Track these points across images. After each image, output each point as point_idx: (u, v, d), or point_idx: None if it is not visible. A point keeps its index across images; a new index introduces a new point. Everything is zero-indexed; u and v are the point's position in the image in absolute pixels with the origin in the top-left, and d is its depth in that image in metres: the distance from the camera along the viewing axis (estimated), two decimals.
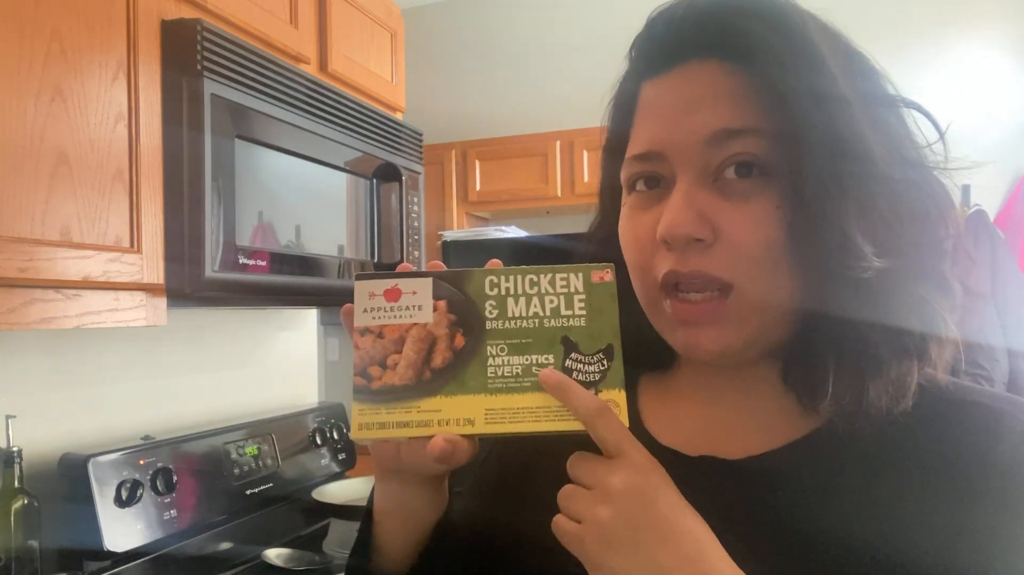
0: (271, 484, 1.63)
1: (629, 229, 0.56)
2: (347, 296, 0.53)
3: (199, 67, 1.17)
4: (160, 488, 1.35)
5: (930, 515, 0.48)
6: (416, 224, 1.78)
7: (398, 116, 1.93)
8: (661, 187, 0.53)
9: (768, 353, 0.54)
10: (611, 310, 0.51)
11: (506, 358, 0.50)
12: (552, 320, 0.50)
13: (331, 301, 1.54)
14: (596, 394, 0.49)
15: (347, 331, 0.52)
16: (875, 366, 0.50)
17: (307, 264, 1.42)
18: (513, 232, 2.80)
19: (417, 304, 0.51)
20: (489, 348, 0.50)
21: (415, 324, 0.50)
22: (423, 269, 0.53)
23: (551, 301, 0.51)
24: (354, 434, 0.49)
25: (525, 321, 0.50)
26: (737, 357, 0.54)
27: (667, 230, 0.50)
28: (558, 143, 3.05)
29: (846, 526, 0.48)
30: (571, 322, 0.50)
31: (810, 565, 0.48)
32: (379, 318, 0.50)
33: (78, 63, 1.04)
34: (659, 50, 0.55)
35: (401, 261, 1.71)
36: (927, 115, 0.54)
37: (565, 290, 0.51)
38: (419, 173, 1.82)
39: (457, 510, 0.69)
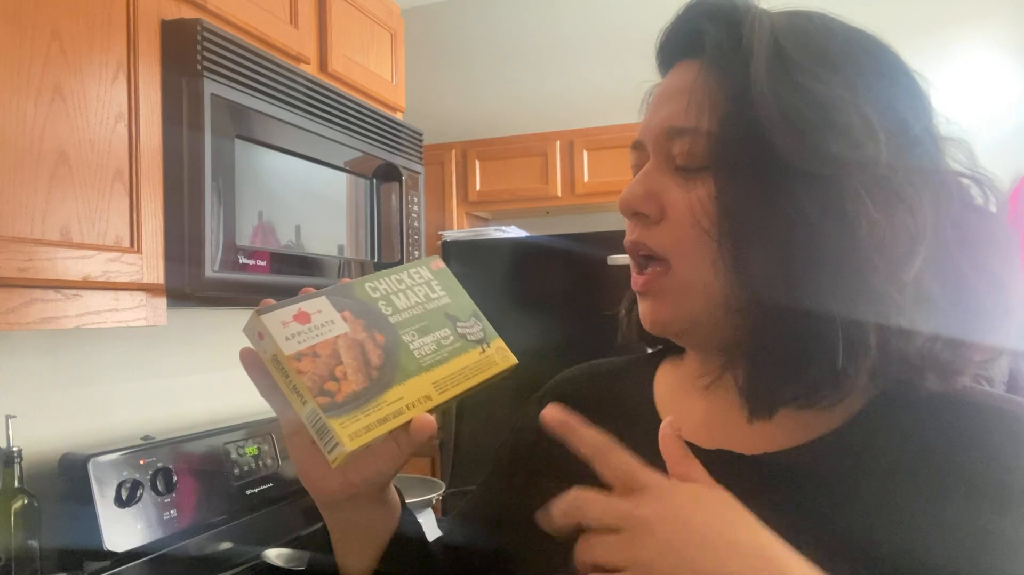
0: (271, 484, 1.63)
1: None
2: None
3: (199, 67, 1.17)
4: (160, 488, 1.35)
5: (952, 520, 0.47)
6: (416, 224, 1.78)
7: (398, 116, 1.93)
8: None
9: (737, 347, 0.54)
10: (458, 286, 0.63)
11: (420, 340, 0.57)
12: (429, 304, 0.60)
13: None
14: (487, 347, 0.60)
15: (251, 374, 0.54)
16: (802, 359, 0.49)
17: (307, 264, 1.42)
18: (513, 232, 2.80)
19: (328, 319, 0.54)
20: (404, 336, 0.57)
21: (339, 335, 0.53)
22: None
23: (419, 290, 0.60)
24: (349, 446, 0.49)
25: (414, 309, 0.59)
26: (686, 337, 0.57)
27: (619, 202, 0.56)
28: (558, 143, 3.05)
29: (863, 529, 0.48)
30: (442, 301, 0.61)
31: (825, 566, 0.47)
32: (305, 340, 0.52)
33: (78, 63, 1.04)
34: (660, 52, 0.60)
35: (401, 261, 1.71)
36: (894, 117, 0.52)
37: (422, 280, 0.61)
38: (419, 173, 1.82)
39: (468, 507, 0.70)
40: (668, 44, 0.59)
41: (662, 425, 0.48)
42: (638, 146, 0.58)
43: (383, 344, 0.55)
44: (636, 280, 0.57)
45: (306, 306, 0.54)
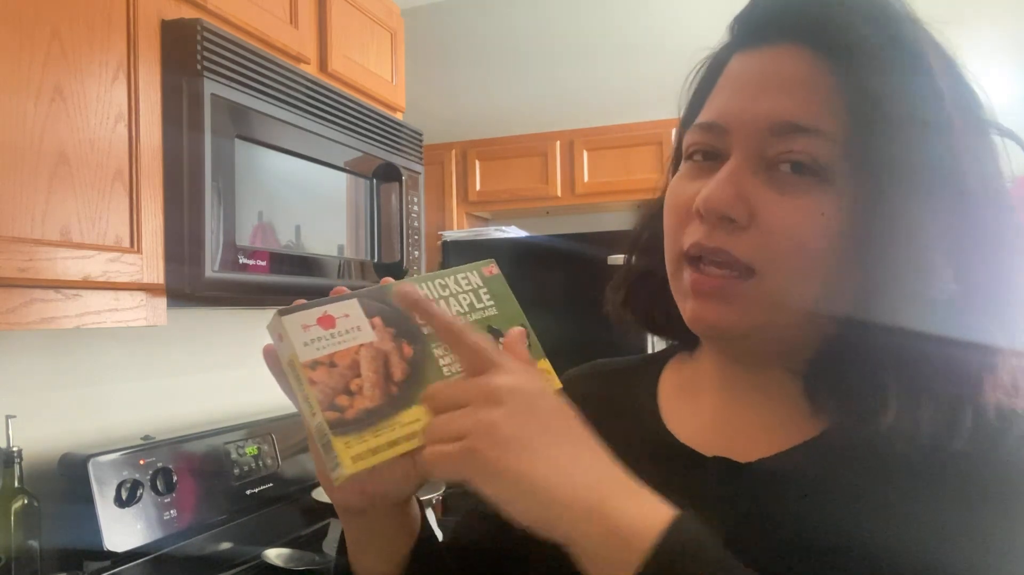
0: (271, 484, 1.63)
1: (673, 194, 0.55)
2: None
3: (199, 67, 1.17)
4: (160, 488, 1.35)
5: (944, 522, 0.47)
6: (416, 224, 1.78)
7: (398, 116, 1.93)
8: (717, 162, 0.51)
9: (788, 355, 0.53)
10: (510, 296, 0.57)
11: (452, 356, 0.51)
12: (472, 314, 0.55)
13: None
14: None
15: (273, 373, 0.52)
16: (924, 392, 0.47)
17: (307, 264, 1.42)
18: (513, 232, 2.80)
19: (355, 326, 0.50)
20: (435, 351, 0.51)
21: (362, 345, 0.49)
22: (371, 285, 0.53)
23: (464, 298, 0.55)
24: (349, 469, 0.45)
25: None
26: (741, 343, 0.53)
27: (703, 202, 0.49)
28: (558, 143, 3.05)
29: (853, 531, 0.47)
30: (487, 312, 0.55)
31: (819, 570, 0.46)
32: (324, 347, 0.48)
33: (78, 63, 1.04)
34: (756, 24, 0.53)
35: (401, 261, 1.71)
36: (1019, 142, 0.51)
37: (469, 287, 0.56)
38: (419, 173, 1.82)
39: (470, 513, 0.70)
40: (764, 19, 0.52)
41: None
42: (715, 129, 0.51)
43: (410, 357, 0.50)
44: (699, 280, 0.51)
45: (333, 309, 0.50)
